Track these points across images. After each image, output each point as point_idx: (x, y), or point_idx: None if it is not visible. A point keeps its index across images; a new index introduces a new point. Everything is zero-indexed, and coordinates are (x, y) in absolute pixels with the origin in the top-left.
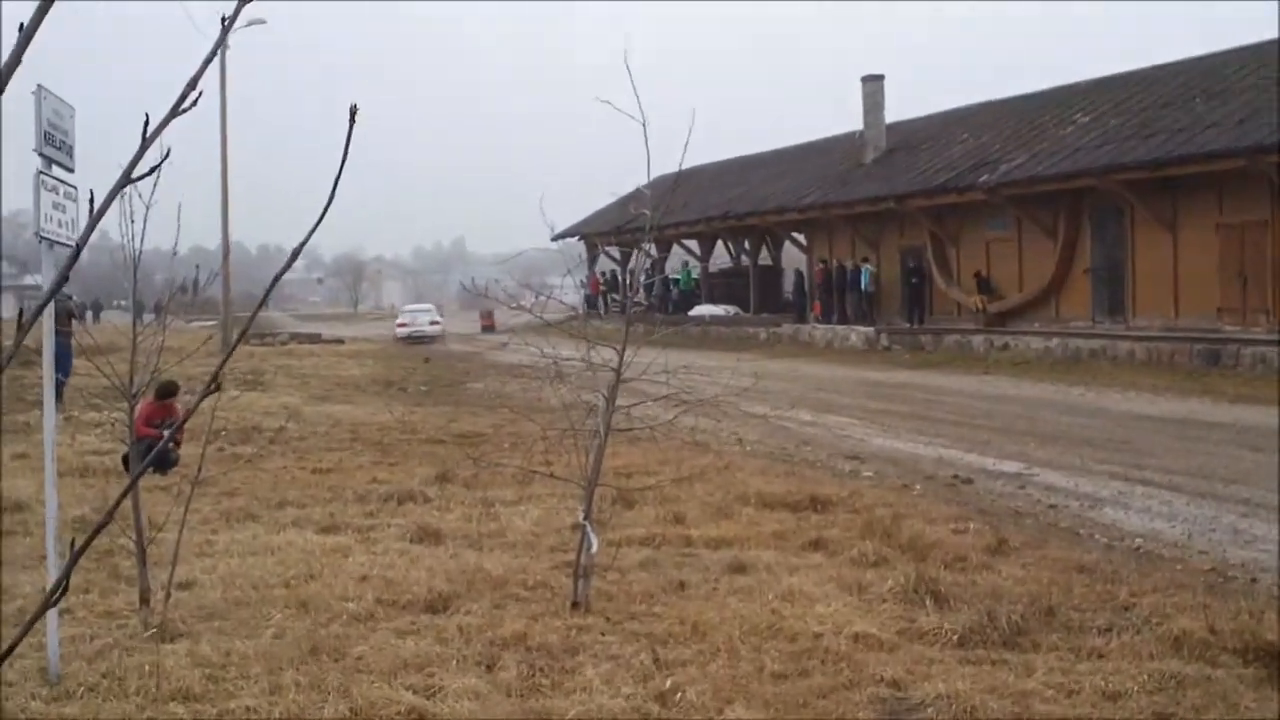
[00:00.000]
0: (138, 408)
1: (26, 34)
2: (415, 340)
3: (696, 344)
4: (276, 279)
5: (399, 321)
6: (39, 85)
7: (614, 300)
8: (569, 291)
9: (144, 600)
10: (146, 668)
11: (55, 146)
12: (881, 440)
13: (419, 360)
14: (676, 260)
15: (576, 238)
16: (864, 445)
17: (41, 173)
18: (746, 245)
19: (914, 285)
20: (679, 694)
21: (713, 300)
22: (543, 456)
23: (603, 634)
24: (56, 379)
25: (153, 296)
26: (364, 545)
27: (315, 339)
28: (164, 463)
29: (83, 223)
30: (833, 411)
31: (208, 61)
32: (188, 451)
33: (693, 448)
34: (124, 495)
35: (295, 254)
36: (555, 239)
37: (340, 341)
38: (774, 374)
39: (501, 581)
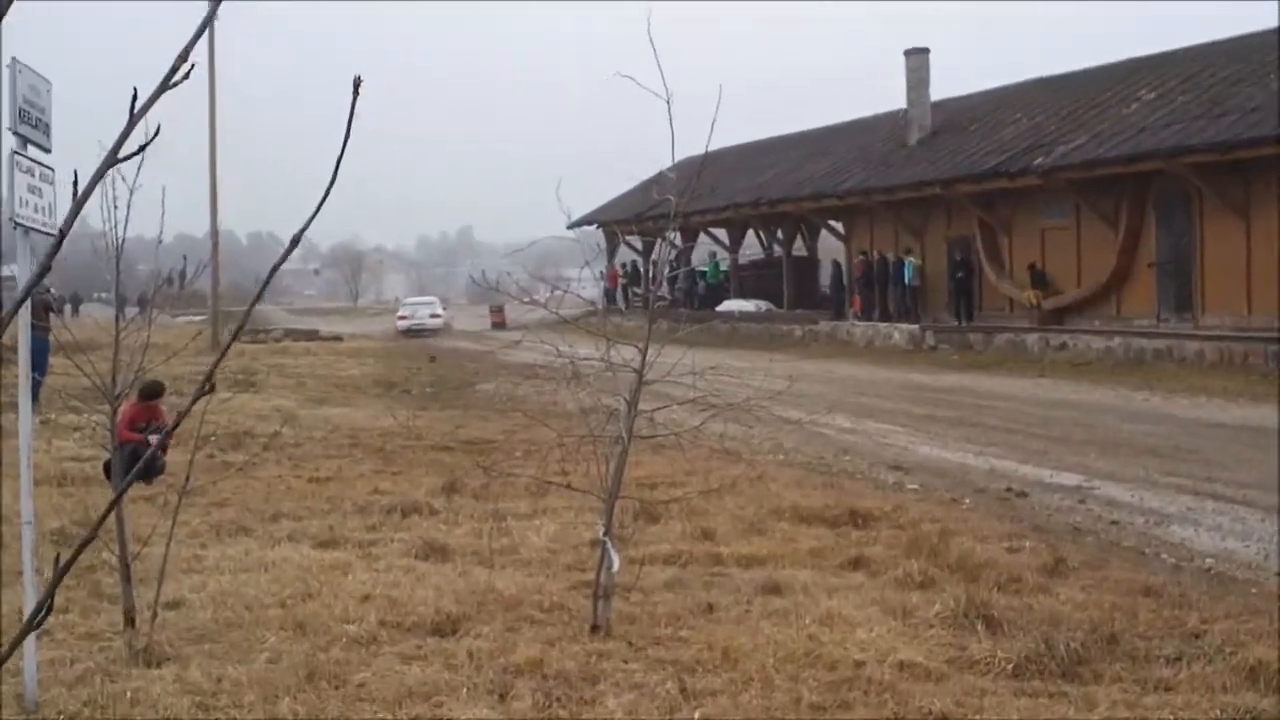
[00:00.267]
0: (120, 410)
1: None
2: (415, 333)
3: (725, 342)
4: (274, 270)
5: (399, 314)
6: (13, 58)
7: (635, 294)
8: (587, 285)
9: (128, 621)
10: (131, 695)
11: (31, 124)
12: (927, 449)
13: (424, 359)
14: (703, 251)
15: (594, 225)
16: (908, 454)
17: (16, 153)
18: (779, 234)
19: (960, 279)
20: None
21: (742, 295)
22: (559, 466)
23: (625, 661)
24: (33, 378)
25: (136, 289)
26: (365, 562)
27: (312, 335)
28: (149, 470)
29: (61, 207)
30: (874, 417)
31: (200, 32)
32: (174, 459)
33: (722, 456)
34: (110, 508)
35: (294, 242)
36: (571, 227)
37: (339, 338)
38: (809, 376)
39: (515, 602)
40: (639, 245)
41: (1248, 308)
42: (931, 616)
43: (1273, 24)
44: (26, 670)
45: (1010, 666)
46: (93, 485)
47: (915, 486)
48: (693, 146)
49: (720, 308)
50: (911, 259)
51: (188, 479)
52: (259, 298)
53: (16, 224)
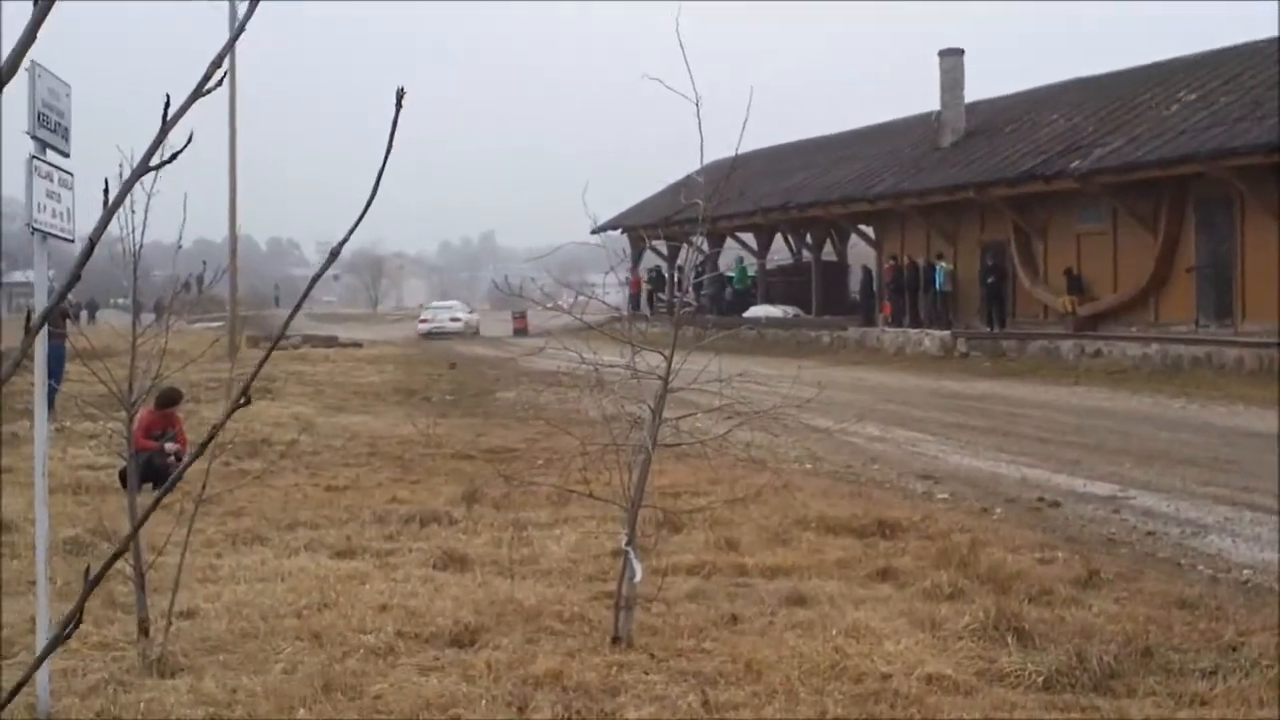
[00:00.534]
0: (136, 417)
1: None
2: (435, 335)
3: (751, 349)
4: (315, 280)
5: (421, 318)
6: (33, 62)
7: (660, 300)
8: (611, 290)
9: (143, 630)
10: (145, 705)
11: (50, 129)
12: (958, 458)
13: (444, 366)
14: (730, 256)
15: (619, 230)
16: (938, 464)
17: (35, 157)
18: (808, 239)
19: (991, 284)
20: None
21: (770, 300)
22: (581, 474)
23: (646, 673)
24: (48, 385)
25: (153, 295)
26: (383, 571)
27: (331, 342)
28: (164, 477)
29: (78, 213)
30: (904, 425)
31: (234, 38)
32: (190, 467)
33: (747, 465)
34: (143, 520)
35: (334, 254)
36: (596, 232)
37: (358, 345)
38: (838, 383)
39: (535, 613)
40: (665, 250)
41: None
42: (961, 628)
43: None
44: (40, 680)
45: (1041, 679)
46: (108, 493)
47: (945, 496)
48: (720, 150)
49: (748, 314)
50: (943, 264)
51: (204, 487)
52: (297, 310)
53: (34, 229)
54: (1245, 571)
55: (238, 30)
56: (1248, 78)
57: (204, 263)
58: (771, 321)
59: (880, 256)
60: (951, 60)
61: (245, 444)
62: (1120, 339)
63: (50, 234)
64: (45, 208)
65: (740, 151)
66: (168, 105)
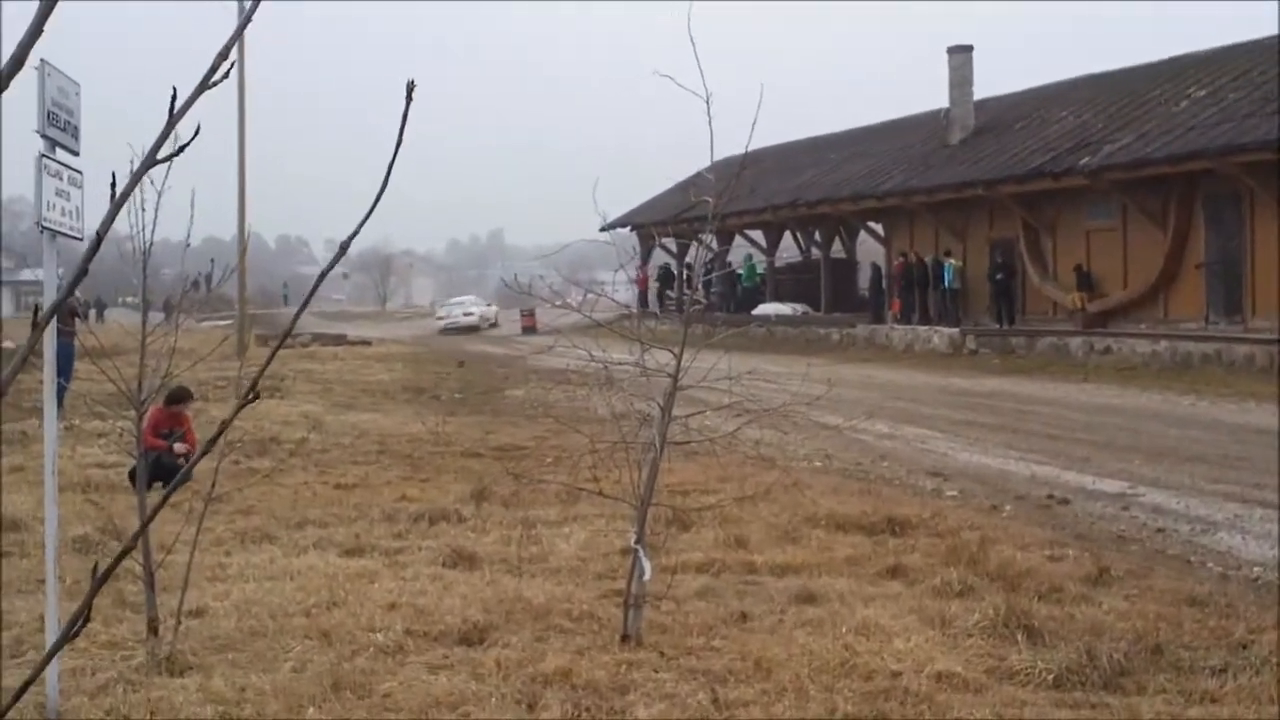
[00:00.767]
0: (146, 416)
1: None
2: (451, 330)
3: (761, 346)
4: (322, 276)
5: (438, 315)
6: (42, 60)
7: (668, 298)
8: (620, 288)
9: (151, 629)
10: (153, 704)
11: (59, 127)
12: (967, 455)
13: (453, 364)
14: (739, 253)
15: (629, 228)
16: (948, 461)
17: (44, 156)
18: (817, 236)
19: (999, 281)
20: None
21: (779, 298)
22: (590, 472)
23: (656, 671)
24: (58, 384)
25: (162, 293)
26: (392, 570)
27: (340, 340)
28: (173, 476)
29: (88, 211)
30: (913, 423)
31: (240, 29)
32: (199, 465)
33: (757, 463)
34: (151, 517)
35: (344, 248)
36: (604, 229)
37: (367, 343)
38: (847, 380)
39: (544, 611)
40: (674, 248)
41: None
42: (970, 626)
43: None
44: (49, 679)
45: (1051, 677)
46: (117, 492)
47: (954, 493)
48: (729, 148)
49: (756, 311)
50: (952, 261)
51: (213, 485)
52: (305, 306)
53: (44, 228)
54: (1255, 569)
55: (245, 20)
56: (1257, 74)
57: (212, 261)
58: (780, 319)
59: (889, 253)
60: (960, 57)
61: (254, 442)
62: (1130, 336)
63: (59, 232)
64: (55, 206)
65: (749, 149)
66: (174, 98)
